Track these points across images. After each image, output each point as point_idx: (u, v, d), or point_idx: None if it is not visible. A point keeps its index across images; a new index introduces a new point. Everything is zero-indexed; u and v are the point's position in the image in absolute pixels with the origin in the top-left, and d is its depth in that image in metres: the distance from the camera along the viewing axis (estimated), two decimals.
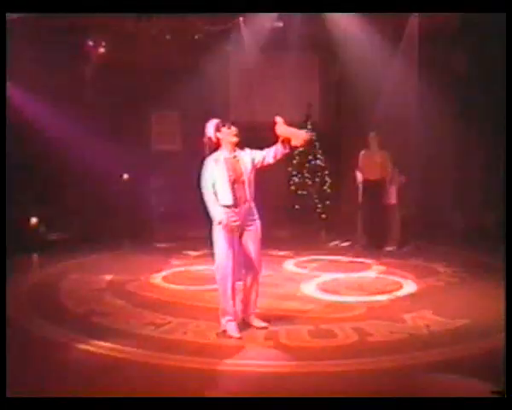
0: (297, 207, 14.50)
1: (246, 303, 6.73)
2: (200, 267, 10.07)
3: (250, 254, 6.55)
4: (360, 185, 11.81)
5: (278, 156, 6.58)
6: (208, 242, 6.74)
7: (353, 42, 12.30)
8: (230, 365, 5.72)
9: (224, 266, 6.40)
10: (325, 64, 14.68)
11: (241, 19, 11.81)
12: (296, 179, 14.60)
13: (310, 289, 8.63)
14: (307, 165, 14.53)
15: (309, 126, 14.31)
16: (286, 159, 14.50)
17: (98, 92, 14.01)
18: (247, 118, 14.41)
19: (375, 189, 11.61)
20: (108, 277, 9.48)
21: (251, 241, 6.55)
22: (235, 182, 6.38)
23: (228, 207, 6.34)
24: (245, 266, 6.62)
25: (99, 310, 7.60)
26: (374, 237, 11.64)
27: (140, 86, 14.38)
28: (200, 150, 6.57)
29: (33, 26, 11.56)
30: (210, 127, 6.52)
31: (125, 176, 15.23)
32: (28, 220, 13.48)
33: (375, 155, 11.70)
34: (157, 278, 9.45)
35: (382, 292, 8.31)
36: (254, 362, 5.78)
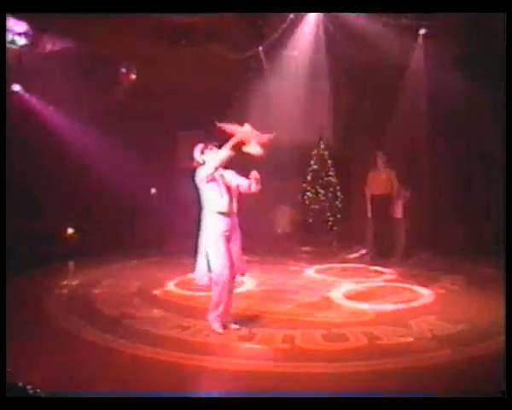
0: (310, 220, 14.49)
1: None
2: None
3: (236, 259, 6.68)
4: (368, 201, 11.88)
5: (245, 191, 6.75)
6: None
7: (363, 66, 12.33)
8: (250, 365, 5.72)
9: (227, 271, 6.47)
10: (336, 88, 14.70)
11: (260, 48, 11.92)
12: (310, 194, 14.60)
13: (336, 295, 8.62)
14: (320, 181, 14.54)
15: (322, 146, 14.40)
16: (300, 175, 14.65)
17: (129, 114, 14.11)
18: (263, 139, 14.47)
19: (382, 204, 11.70)
20: (137, 283, 9.52)
21: (234, 249, 6.66)
22: (226, 191, 6.60)
23: (222, 214, 6.53)
24: None
25: (129, 313, 7.63)
26: (381, 249, 11.68)
27: (167, 108, 14.45)
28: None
29: (73, 56, 11.74)
30: (196, 151, 6.73)
31: (153, 190, 15.31)
32: (65, 230, 13.62)
33: (381, 173, 11.80)
34: (181, 285, 9.45)
35: (396, 300, 8.28)
36: (272, 363, 5.77)
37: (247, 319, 7.20)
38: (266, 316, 7.47)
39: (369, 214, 11.91)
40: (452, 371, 5.48)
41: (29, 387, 4.91)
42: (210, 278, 6.61)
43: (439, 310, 7.65)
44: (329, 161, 14.53)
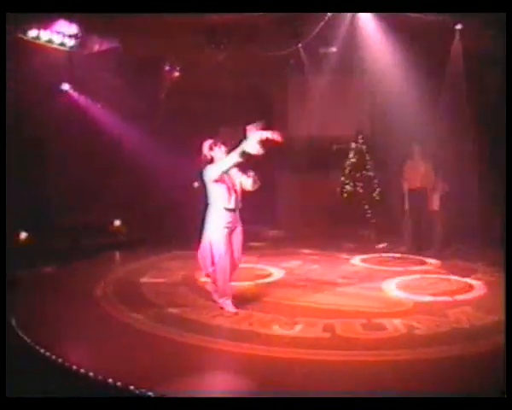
0: (343, 215, 14.46)
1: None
2: (260, 266, 10.24)
3: (234, 252, 7.18)
4: (406, 194, 11.81)
5: (245, 188, 7.23)
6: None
7: (398, 61, 12.22)
8: (289, 353, 5.77)
9: (224, 259, 6.99)
10: (374, 83, 14.62)
11: (299, 45, 11.92)
12: (348, 188, 14.59)
13: (389, 287, 8.58)
14: (358, 175, 14.51)
15: (360, 140, 14.39)
16: (339, 169, 14.64)
17: (172, 111, 14.27)
18: (304, 133, 14.49)
19: (418, 196, 11.61)
20: (182, 273, 9.65)
21: (236, 241, 7.21)
22: (232, 188, 7.04)
23: (228, 210, 6.99)
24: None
25: (175, 302, 7.75)
26: (418, 241, 11.61)
27: (209, 105, 14.57)
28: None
29: (116, 56, 11.93)
30: (204, 147, 7.09)
31: (196, 184, 15.43)
32: (112, 223, 13.86)
33: (418, 165, 11.70)
34: None
35: (435, 290, 8.26)
36: (312, 351, 5.82)
37: (291, 308, 7.28)
38: (308, 305, 7.53)
39: (407, 207, 11.84)
40: (485, 361, 5.45)
41: (82, 370, 5.08)
42: (214, 267, 7.10)
43: (478, 301, 7.61)
44: (367, 155, 14.50)
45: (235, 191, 7.08)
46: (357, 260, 10.91)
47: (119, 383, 4.78)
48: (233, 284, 7.46)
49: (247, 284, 8.82)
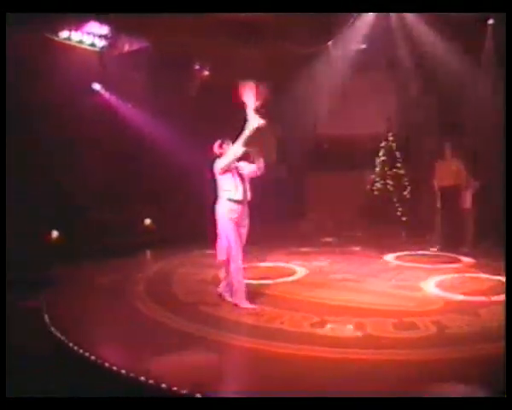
0: (373, 213, 14.41)
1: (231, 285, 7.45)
2: (289, 265, 10.27)
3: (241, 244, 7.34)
4: (437, 192, 11.73)
5: (251, 175, 7.43)
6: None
7: (431, 57, 12.13)
8: (323, 352, 5.76)
9: (235, 249, 7.24)
10: (404, 79, 14.54)
11: (329, 43, 11.93)
12: (378, 185, 14.54)
13: (428, 286, 8.53)
14: (389, 172, 14.45)
15: (390, 138, 14.33)
16: (369, 166, 14.60)
17: (202, 108, 14.34)
18: (333, 131, 14.49)
19: (450, 195, 11.52)
20: (212, 271, 9.70)
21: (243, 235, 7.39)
22: (241, 182, 7.26)
23: (236, 202, 7.21)
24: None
25: (205, 300, 7.79)
26: (450, 239, 11.51)
27: (238, 103, 14.62)
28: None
29: (147, 55, 12.06)
30: (215, 146, 7.46)
31: None
32: (142, 221, 13.99)
33: (450, 163, 11.61)
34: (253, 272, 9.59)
35: (467, 289, 8.22)
36: (344, 350, 5.82)
37: (321, 307, 7.30)
38: (339, 304, 7.53)
39: (439, 205, 11.76)
40: None
41: (115, 368, 5.14)
42: (228, 255, 7.30)
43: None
44: (397, 153, 14.43)
45: (244, 184, 7.30)
46: (389, 257, 10.88)
47: (151, 381, 4.83)
48: (261, 282, 7.46)
49: (271, 281, 8.86)
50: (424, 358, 5.55)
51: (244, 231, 7.40)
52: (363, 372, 5.22)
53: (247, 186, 7.36)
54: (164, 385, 4.73)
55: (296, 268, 9.93)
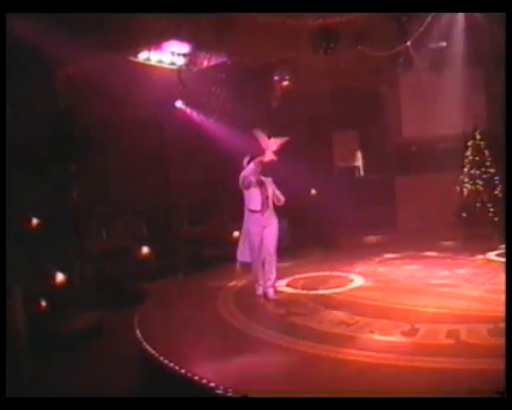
0: (464, 215, 13.96)
1: (265, 279, 8.62)
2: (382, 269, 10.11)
3: (268, 244, 8.46)
4: None
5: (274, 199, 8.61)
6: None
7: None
8: (411, 360, 5.63)
9: (254, 252, 8.51)
10: (490, 75, 14.09)
11: (408, 43, 11.71)
12: (468, 186, 14.08)
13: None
14: (478, 172, 13.98)
15: (477, 136, 13.86)
16: (457, 167, 14.18)
17: (284, 118, 14.39)
18: (418, 133, 14.21)
19: None
20: (301, 281, 9.68)
21: (268, 235, 8.48)
22: (262, 194, 8.44)
23: (257, 212, 8.40)
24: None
25: (295, 311, 7.77)
26: None
27: (320, 110, 14.61)
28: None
29: (227, 71, 12.24)
30: (244, 161, 8.53)
31: (313, 191, 15.49)
32: (231, 234, 14.13)
33: None
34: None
35: None
36: (435, 358, 5.65)
37: (412, 313, 7.15)
38: (428, 310, 7.35)
39: None
40: None
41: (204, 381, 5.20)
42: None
43: None
44: (486, 151, 13.94)
45: (263, 198, 8.44)
46: (483, 260, 10.54)
47: (238, 395, 4.86)
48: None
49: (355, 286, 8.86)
50: None
51: (269, 229, 8.48)
52: (458, 381, 5.05)
53: (269, 199, 8.50)
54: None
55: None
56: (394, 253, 11.97)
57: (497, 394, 3.97)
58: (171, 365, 5.79)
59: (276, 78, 14.27)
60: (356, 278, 9.67)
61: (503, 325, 6.39)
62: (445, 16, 10.72)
